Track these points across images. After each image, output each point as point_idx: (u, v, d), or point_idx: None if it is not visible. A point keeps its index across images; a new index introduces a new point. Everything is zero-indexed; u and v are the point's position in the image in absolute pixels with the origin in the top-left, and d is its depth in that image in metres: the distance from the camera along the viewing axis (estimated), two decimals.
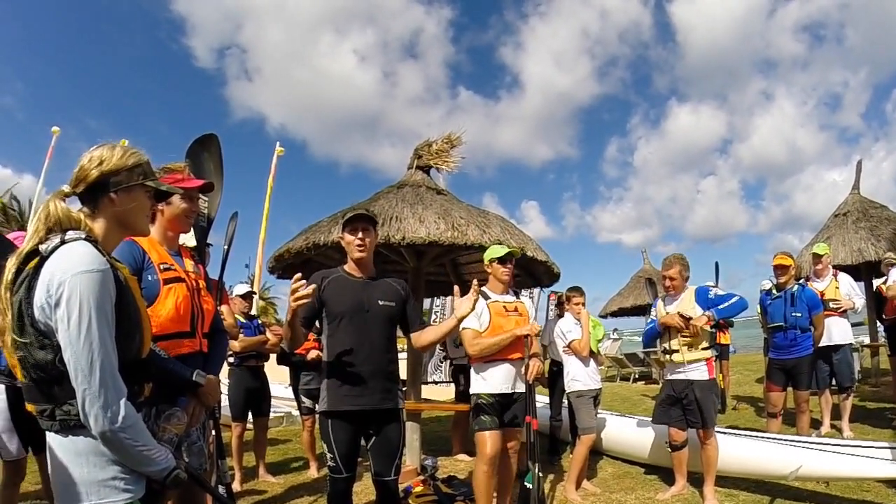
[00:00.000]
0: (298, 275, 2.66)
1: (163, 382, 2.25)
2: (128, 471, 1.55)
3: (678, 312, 4.51)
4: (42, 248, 1.52)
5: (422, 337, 3.20)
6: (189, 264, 2.59)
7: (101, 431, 1.46)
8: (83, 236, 1.57)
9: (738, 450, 4.60)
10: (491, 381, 3.85)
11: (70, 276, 1.45)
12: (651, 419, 5.12)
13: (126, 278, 1.65)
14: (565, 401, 6.41)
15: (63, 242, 1.52)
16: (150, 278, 2.33)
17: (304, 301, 2.68)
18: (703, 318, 4.39)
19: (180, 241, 2.69)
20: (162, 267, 2.39)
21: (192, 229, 3.10)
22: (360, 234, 3.08)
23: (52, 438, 1.57)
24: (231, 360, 5.70)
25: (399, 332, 3.26)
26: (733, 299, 4.45)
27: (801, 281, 6.11)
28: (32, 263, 1.51)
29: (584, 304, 5.38)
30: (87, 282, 1.46)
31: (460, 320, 3.00)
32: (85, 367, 1.44)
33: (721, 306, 4.42)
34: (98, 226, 1.69)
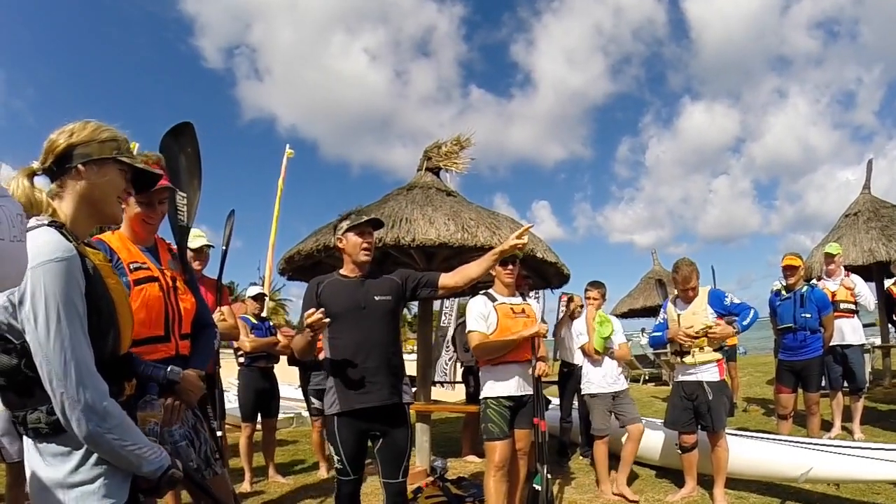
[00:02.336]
0: (314, 312, 2.75)
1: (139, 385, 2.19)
2: (109, 477, 1.45)
3: (684, 332, 4.55)
4: None
5: (464, 272, 3.13)
6: (166, 261, 2.48)
7: (87, 435, 1.36)
8: (46, 222, 1.44)
9: (748, 452, 4.58)
10: (501, 384, 3.85)
11: (31, 269, 1.31)
12: (662, 422, 5.11)
13: (96, 266, 1.51)
14: (575, 402, 6.41)
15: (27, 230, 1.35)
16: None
17: (321, 327, 2.82)
18: (729, 328, 4.43)
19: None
20: (132, 266, 2.28)
21: (188, 230, 2.98)
22: (367, 238, 3.16)
23: (27, 442, 1.48)
24: (241, 360, 5.74)
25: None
26: (752, 313, 4.49)
27: (811, 282, 6.09)
28: None
29: (595, 300, 5.33)
30: (50, 273, 1.34)
31: (502, 253, 3.04)
32: (59, 369, 1.33)
33: (744, 322, 4.45)
34: (65, 205, 1.55)
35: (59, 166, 1.57)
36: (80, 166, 1.56)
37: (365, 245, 3.14)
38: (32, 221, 1.43)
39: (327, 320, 2.78)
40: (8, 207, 1.17)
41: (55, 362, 1.33)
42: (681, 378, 4.68)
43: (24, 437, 1.49)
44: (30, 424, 1.43)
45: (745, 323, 4.45)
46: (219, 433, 3.46)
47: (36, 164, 1.57)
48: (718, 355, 4.51)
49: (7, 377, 1.41)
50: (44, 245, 1.37)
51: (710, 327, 4.45)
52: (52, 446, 1.44)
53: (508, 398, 3.85)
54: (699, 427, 4.56)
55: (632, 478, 5.46)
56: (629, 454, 4.94)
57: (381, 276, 3.22)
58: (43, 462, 1.45)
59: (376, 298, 3.10)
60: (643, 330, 19.57)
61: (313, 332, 2.83)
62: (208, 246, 4.33)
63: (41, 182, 1.59)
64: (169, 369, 2.14)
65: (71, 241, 1.43)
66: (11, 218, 1.17)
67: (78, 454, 1.43)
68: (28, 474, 1.50)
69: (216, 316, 3.75)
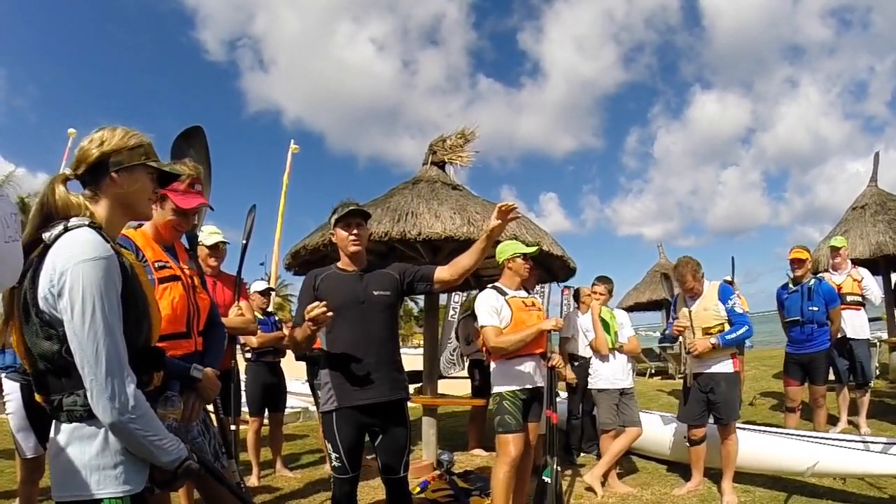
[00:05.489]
0: (317, 305, 2.67)
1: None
2: (130, 464, 1.53)
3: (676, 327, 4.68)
4: (45, 235, 1.49)
5: (457, 264, 3.04)
6: (184, 260, 2.56)
7: (111, 422, 1.44)
8: (86, 223, 1.54)
9: (754, 445, 4.59)
10: (515, 378, 3.85)
11: (73, 265, 1.43)
12: (668, 416, 5.11)
13: (132, 265, 1.62)
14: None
15: (66, 230, 1.50)
16: None
17: (324, 321, 2.72)
18: (707, 343, 4.43)
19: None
20: (157, 265, 2.35)
21: (196, 227, 3.04)
22: (354, 230, 3.08)
23: (56, 426, 1.56)
24: (248, 355, 5.76)
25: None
26: (742, 329, 4.44)
27: (818, 275, 6.08)
28: (36, 252, 1.49)
29: (601, 296, 5.30)
30: (90, 270, 1.43)
31: (489, 237, 2.94)
32: (91, 357, 1.42)
33: (728, 336, 4.42)
34: (101, 209, 1.67)
35: (93, 174, 1.68)
36: (113, 174, 1.67)
37: (352, 238, 3.08)
38: (74, 221, 1.54)
39: (330, 314, 2.69)
40: (2, 207, 1.20)
41: (87, 351, 1.43)
42: (695, 370, 4.67)
43: (55, 422, 1.57)
44: (65, 407, 1.52)
45: (727, 338, 4.42)
46: (233, 427, 3.48)
47: (69, 171, 1.68)
48: (732, 349, 4.53)
49: (49, 361, 1.50)
50: (85, 244, 1.47)
51: (693, 343, 4.51)
52: (83, 429, 1.52)
53: (523, 391, 3.86)
54: (715, 420, 4.56)
55: (638, 471, 5.48)
56: (617, 451, 4.89)
57: (378, 271, 3.16)
58: (70, 444, 1.52)
59: (375, 293, 3.04)
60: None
61: (315, 327, 2.74)
62: (224, 242, 4.31)
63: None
64: (192, 367, 2.20)
65: (109, 243, 1.54)
66: (6, 217, 1.21)
67: (103, 439, 1.51)
68: (52, 455, 1.57)
69: (234, 311, 3.76)
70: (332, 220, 3.15)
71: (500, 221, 2.89)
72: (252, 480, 5.42)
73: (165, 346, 2.23)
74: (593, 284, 5.43)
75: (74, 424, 1.52)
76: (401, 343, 3.39)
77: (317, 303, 2.69)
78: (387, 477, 3.05)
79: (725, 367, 4.51)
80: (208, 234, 4.11)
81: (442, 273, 3.09)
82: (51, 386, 1.53)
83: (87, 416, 1.49)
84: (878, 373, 8.79)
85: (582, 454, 6.18)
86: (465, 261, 3.02)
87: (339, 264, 3.19)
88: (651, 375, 14.63)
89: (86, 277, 1.43)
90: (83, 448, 1.51)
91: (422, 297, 10.97)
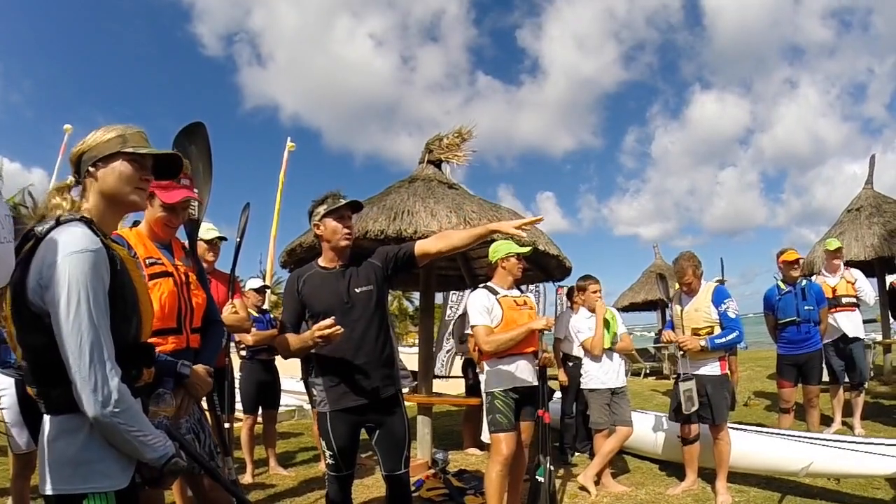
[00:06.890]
0: (332, 324, 2.66)
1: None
2: (115, 459, 1.52)
3: (676, 337, 4.60)
4: (38, 230, 1.50)
5: (448, 238, 2.95)
6: (180, 258, 2.56)
7: (94, 415, 1.43)
8: (77, 217, 1.56)
9: (748, 446, 4.59)
10: (507, 377, 3.84)
11: (60, 258, 1.43)
12: (663, 414, 5.11)
13: (123, 259, 1.61)
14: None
15: (58, 223, 1.51)
16: None
17: (335, 339, 2.71)
18: (695, 342, 4.43)
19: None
20: (148, 262, 2.37)
21: (199, 223, 3.03)
22: (347, 223, 3.00)
23: (46, 419, 1.56)
24: (243, 353, 5.75)
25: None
26: (731, 335, 4.41)
27: (811, 276, 6.12)
28: (28, 246, 1.50)
29: (599, 294, 5.28)
30: (76, 263, 1.44)
31: (493, 232, 2.85)
32: (75, 350, 1.42)
33: (717, 340, 4.40)
34: (90, 206, 1.68)
35: (79, 174, 1.71)
36: (91, 169, 1.69)
37: (345, 230, 2.97)
38: (66, 216, 1.56)
39: (341, 331, 2.68)
40: None
41: (71, 343, 1.42)
42: (684, 371, 4.66)
43: (45, 416, 1.56)
44: (53, 399, 1.52)
45: (716, 341, 4.40)
46: (227, 425, 3.49)
47: (70, 179, 1.72)
48: (720, 352, 4.53)
49: (38, 354, 1.52)
50: (73, 236, 1.48)
51: (680, 338, 4.51)
52: (69, 422, 1.51)
53: (515, 390, 3.85)
54: (701, 420, 4.56)
55: (632, 471, 5.48)
56: (608, 451, 4.88)
57: (362, 262, 3.05)
58: (57, 437, 1.52)
59: (357, 291, 2.95)
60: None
61: (325, 343, 2.72)
62: (220, 238, 4.31)
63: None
64: (180, 363, 2.18)
65: (98, 236, 1.54)
66: (0, 220, 1.19)
67: (88, 433, 1.50)
68: (40, 448, 1.56)
69: (228, 308, 3.76)
70: (321, 210, 3.01)
71: (516, 232, 2.77)
72: (246, 478, 5.42)
73: (153, 341, 2.21)
74: (588, 285, 5.34)
75: (61, 417, 1.52)
76: (396, 341, 3.33)
77: (327, 321, 2.67)
78: (387, 474, 3.00)
79: (713, 369, 4.51)
80: (206, 230, 4.13)
81: (426, 246, 2.97)
82: (40, 378, 1.54)
83: (74, 409, 1.47)
84: (872, 374, 8.83)
85: (576, 454, 6.17)
86: (456, 239, 2.92)
87: (320, 262, 3.09)
88: (646, 375, 14.67)
89: (72, 270, 1.44)
90: (69, 441, 1.51)
91: (417, 295, 10.95)
